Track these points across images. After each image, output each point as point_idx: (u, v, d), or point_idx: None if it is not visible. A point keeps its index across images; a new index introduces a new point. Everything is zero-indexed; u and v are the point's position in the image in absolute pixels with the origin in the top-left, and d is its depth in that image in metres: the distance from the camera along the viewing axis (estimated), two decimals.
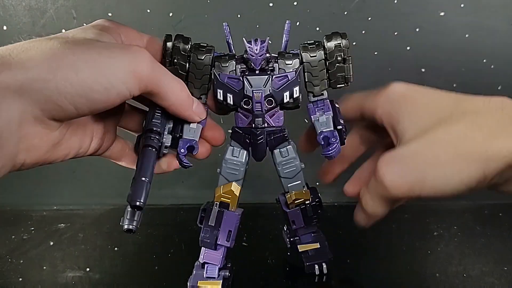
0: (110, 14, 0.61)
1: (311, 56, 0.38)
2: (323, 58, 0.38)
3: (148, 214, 0.65)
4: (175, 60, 0.37)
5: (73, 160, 0.68)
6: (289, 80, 0.37)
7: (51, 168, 0.68)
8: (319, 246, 0.46)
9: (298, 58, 0.38)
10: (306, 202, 0.42)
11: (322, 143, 0.37)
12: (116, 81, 0.29)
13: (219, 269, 0.42)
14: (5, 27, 0.62)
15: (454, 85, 0.62)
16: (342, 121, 0.38)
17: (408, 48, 0.61)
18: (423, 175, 0.32)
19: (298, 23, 0.59)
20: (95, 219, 0.65)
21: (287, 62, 0.37)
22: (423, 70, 0.62)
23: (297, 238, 0.46)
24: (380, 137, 0.41)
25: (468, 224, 0.61)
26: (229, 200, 0.40)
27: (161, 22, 0.61)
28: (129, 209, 0.32)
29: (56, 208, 0.67)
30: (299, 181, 0.41)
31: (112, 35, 0.34)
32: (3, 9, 0.62)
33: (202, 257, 0.42)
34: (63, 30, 0.63)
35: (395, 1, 0.59)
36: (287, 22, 0.38)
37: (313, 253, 0.46)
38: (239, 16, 0.60)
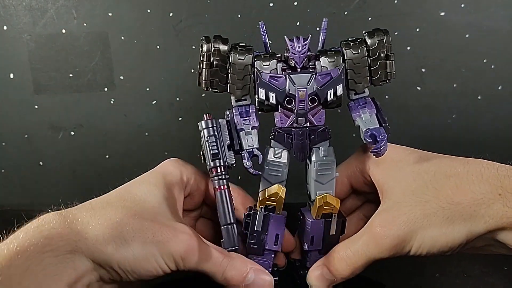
0: (110, 14, 0.61)
1: (354, 53, 0.37)
2: (366, 55, 0.37)
3: None
4: (214, 62, 0.37)
5: (73, 160, 0.68)
6: (332, 77, 0.36)
7: (51, 168, 0.68)
8: None
9: (341, 56, 0.37)
10: (333, 215, 0.39)
11: (370, 140, 0.37)
12: (163, 263, 0.34)
13: None
14: (5, 27, 0.62)
15: (454, 85, 0.62)
16: (386, 118, 0.38)
17: (408, 48, 0.61)
18: (414, 236, 0.34)
19: (298, 23, 0.59)
20: None
21: (330, 59, 0.37)
22: (423, 70, 0.62)
23: (307, 270, 0.41)
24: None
25: None
26: (275, 203, 0.39)
27: (161, 22, 0.61)
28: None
29: (56, 208, 0.67)
30: (330, 190, 0.39)
31: (179, 187, 0.40)
32: (4, 9, 0.62)
33: None
34: (63, 30, 0.63)
35: (395, 1, 0.60)
36: (324, 20, 0.38)
37: None
38: (239, 16, 0.60)
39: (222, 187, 0.37)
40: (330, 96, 0.36)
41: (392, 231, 0.34)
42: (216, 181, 0.37)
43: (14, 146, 0.67)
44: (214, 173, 0.37)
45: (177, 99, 0.64)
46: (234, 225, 0.36)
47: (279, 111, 0.38)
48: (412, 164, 0.37)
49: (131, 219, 0.35)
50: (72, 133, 0.66)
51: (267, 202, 0.38)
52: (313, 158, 0.38)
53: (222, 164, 0.37)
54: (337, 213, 0.39)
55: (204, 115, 0.38)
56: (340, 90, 0.37)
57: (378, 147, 0.36)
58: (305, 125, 0.37)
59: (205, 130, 0.37)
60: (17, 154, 0.67)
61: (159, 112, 0.64)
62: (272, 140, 0.39)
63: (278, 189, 0.38)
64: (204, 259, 0.36)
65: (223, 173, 0.37)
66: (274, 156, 0.38)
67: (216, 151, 0.37)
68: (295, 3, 0.59)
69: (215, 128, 0.37)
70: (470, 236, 0.34)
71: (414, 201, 0.35)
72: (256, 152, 0.37)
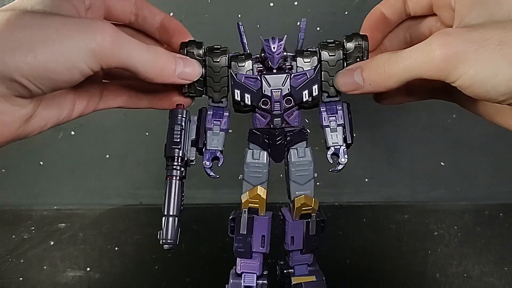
0: None
1: (329, 55, 0.37)
2: (342, 58, 0.37)
3: (148, 214, 0.66)
4: None
5: (73, 160, 0.68)
6: (308, 78, 0.36)
7: (51, 168, 0.68)
8: (315, 280, 0.41)
9: (316, 56, 0.37)
10: (312, 215, 0.39)
11: (331, 162, 0.37)
12: (77, 61, 0.28)
13: (257, 277, 0.41)
14: None
15: None
16: (353, 135, 0.38)
17: None
18: (474, 61, 0.29)
19: (298, 23, 0.59)
20: (95, 219, 0.65)
21: (305, 60, 0.37)
22: None
23: (291, 270, 0.42)
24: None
25: (468, 225, 0.61)
26: (257, 205, 0.38)
27: None
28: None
29: (56, 208, 0.67)
30: (309, 191, 0.39)
31: (74, 2, 0.32)
32: None
33: (239, 267, 0.40)
34: None
35: None
36: (302, 20, 0.37)
37: (308, 286, 0.41)
38: (239, 16, 0.60)
39: (175, 176, 0.35)
40: (305, 96, 0.36)
41: (452, 43, 0.29)
42: (169, 170, 0.36)
43: (14, 146, 0.67)
44: (169, 161, 0.36)
45: None
46: (177, 218, 0.35)
47: (256, 112, 0.37)
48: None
49: (29, 21, 0.28)
50: (72, 133, 0.66)
51: (249, 204, 0.38)
52: (290, 159, 0.38)
53: (181, 155, 0.36)
54: (316, 214, 0.40)
55: (176, 105, 0.38)
56: (315, 90, 0.36)
57: (337, 170, 0.37)
58: (282, 125, 0.38)
59: (172, 118, 0.37)
60: (17, 154, 0.67)
61: (159, 112, 0.64)
62: (249, 142, 0.38)
63: (259, 191, 0.38)
64: (129, 47, 0.30)
65: (179, 164, 0.36)
66: (253, 158, 0.38)
67: (178, 140, 0.36)
68: (295, 3, 0.59)
69: (183, 118, 0.37)
70: None
71: (497, 26, 0.29)
72: (219, 155, 0.37)
